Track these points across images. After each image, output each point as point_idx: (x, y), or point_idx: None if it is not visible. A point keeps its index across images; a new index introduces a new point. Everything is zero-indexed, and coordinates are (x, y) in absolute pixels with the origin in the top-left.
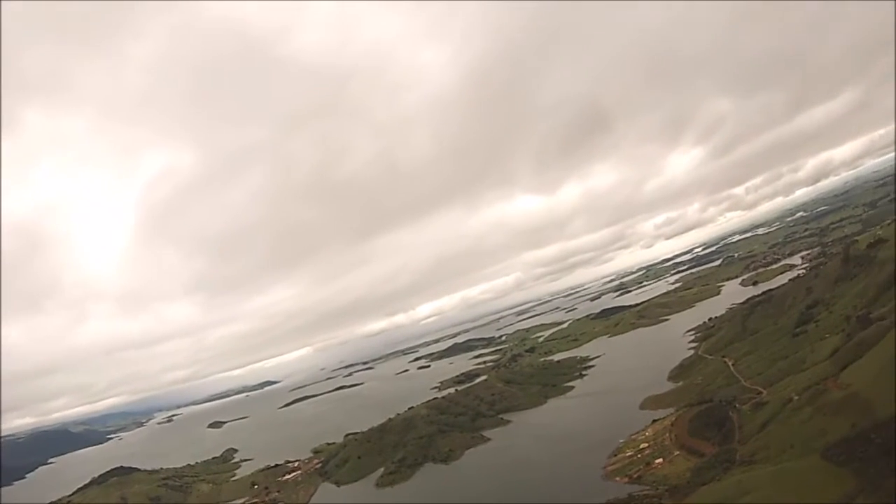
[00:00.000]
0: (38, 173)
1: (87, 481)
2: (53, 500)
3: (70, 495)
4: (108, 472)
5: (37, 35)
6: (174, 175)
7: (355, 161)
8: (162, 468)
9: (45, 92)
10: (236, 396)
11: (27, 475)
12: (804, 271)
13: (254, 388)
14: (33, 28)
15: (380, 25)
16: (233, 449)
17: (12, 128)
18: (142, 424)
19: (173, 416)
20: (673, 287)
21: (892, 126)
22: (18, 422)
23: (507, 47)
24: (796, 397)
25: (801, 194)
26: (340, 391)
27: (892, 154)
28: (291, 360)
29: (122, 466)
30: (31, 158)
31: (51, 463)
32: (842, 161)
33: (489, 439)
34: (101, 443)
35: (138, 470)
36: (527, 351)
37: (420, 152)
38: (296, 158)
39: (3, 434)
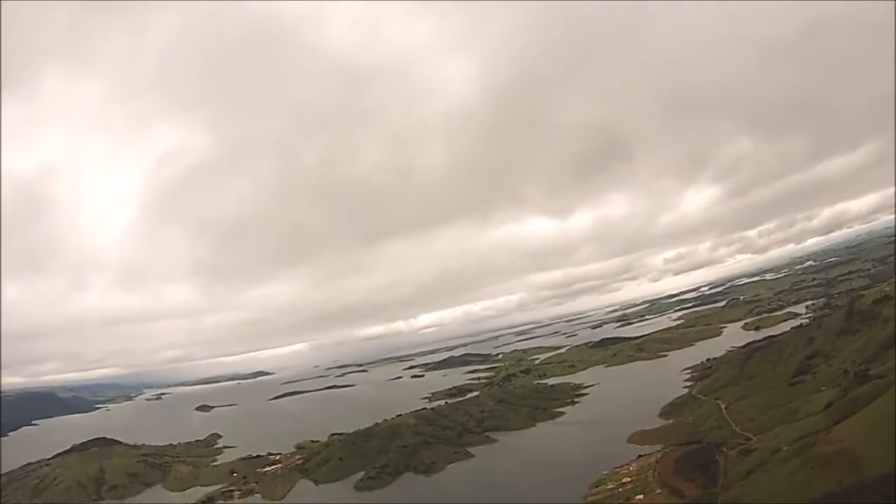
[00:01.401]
0: (52, 134)
1: (67, 447)
2: (32, 461)
3: (49, 459)
4: (90, 440)
5: None
6: (186, 154)
7: (367, 165)
8: (144, 444)
9: (66, 55)
10: (227, 383)
11: (10, 433)
12: (807, 321)
13: (246, 376)
14: None
15: (407, 31)
16: (217, 434)
17: (30, 88)
18: (130, 398)
19: (162, 394)
20: (675, 323)
21: None
22: (7, 380)
23: (531, 68)
24: (786, 447)
25: (813, 243)
26: (331, 390)
27: None
28: (286, 354)
29: (104, 437)
30: (45, 119)
31: (35, 425)
32: (856, 214)
33: (473, 456)
34: (88, 411)
35: (120, 443)
36: (522, 372)
37: (434, 164)
38: (308, 155)
39: None
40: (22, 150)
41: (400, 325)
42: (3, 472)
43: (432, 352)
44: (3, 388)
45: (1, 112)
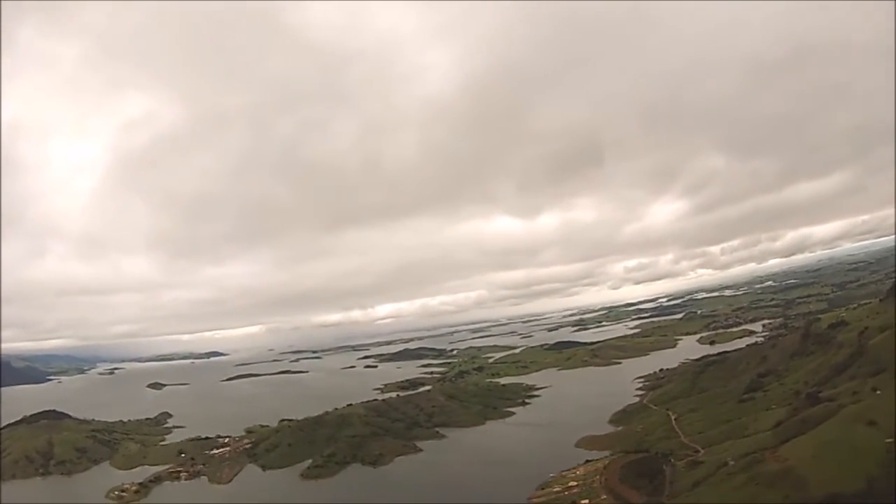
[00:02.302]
0: (21, 92)
1: (17, 419)
2: None
3: None
4: (40, 413)
5: None
6: (155, 124)
7: (338, 148)
8: (94, 419)
9: (44, 12)
10: (181, 361)
11: None
12: (763, 339)
13: (200, 356)
14: None
15: (391, 16)
16: (167, 413)
17: (3, 41)
18: (83, 372)
19: (115, 369)
20: (631, 332)
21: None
22: None
23: (515, 66)
24: (732, 462)
25: (774, 264)
26: (284, 375)
27: (869, 241)
28: (241, 336)
29: (54, 410)
30: (15, 75)
31: None
32: (820, 239)
33: (421, 450)
34: (40, 382)
35: (70, 417)
36: (475, 369)
37: (405, 153)
38: (278, 133)
39: None
40: None
41: (357, 313)
42: None
43: (388, 343)
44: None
45: None
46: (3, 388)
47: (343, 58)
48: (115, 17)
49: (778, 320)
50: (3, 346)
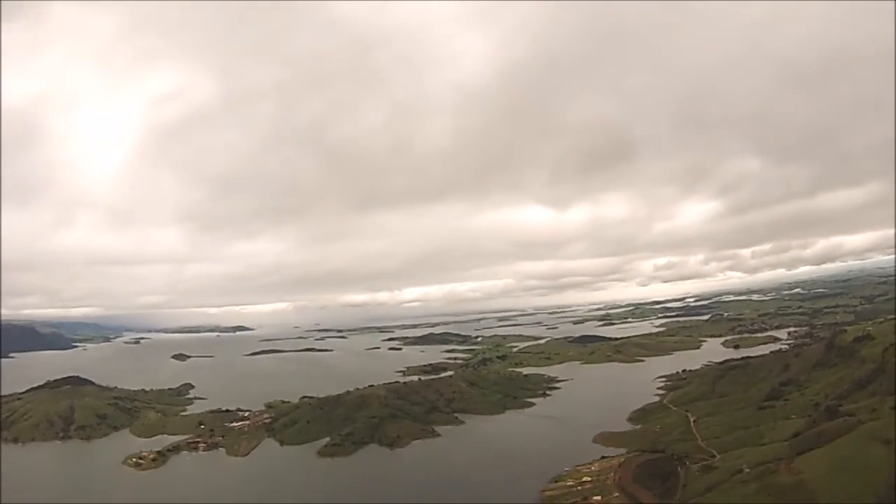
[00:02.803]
0: (52, 63)
1: (41, 383)
2: (4, 394)
3: (22, 393)
4: (63, 378)
5: None
6: (186, 98)
7: (368, 129)
8: (116, 387)
9: None
10: (207, 334)
11: None
12: (787, 347)
13: (226, 329)
14: None
15: None
16: (189, 384)
17: (34, 12)
18: (109, 340)
19: (141, 339)
20: (656, 330)
21: None
22: None
23: (550, 54)
24: (747, 469)
25: (804, 271)
26: (308, 353)
27: None
28: (268, 312)
29: (78, 376)
30: (47, 46)
31: (11, 357)
32: (851, 249)
33: (439, 435)
34: (65, 349)
35: (93, 383)
36: (498, 357)
37: (435, 138)
38: (307, 113)
39: None
40: (19, 76)
41: (384, 295)
42: None
43: (413, 326)
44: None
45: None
46: (28, 353)
47: (374, 38)
48: None
49: (803, 329)
50: (31, 311)
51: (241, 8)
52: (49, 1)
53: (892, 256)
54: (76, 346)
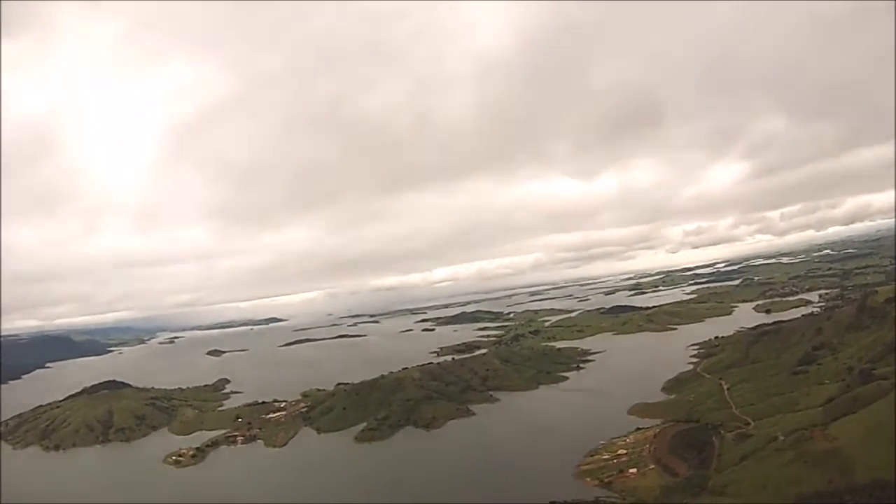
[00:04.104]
0: (64, 70)
1: (78, 390)
2: (44, 403)
3: (60, 401)
4: (100, 383)
5: None
6: (199, 92)
7: (389, 111)
8: (153, 388)
9: None
10: (240, 328)
11: (23, 376)
12: (818, 310)
13: (259, 322)
14: None
15: None
16: (225, 379)
17: (41, 20)
18: (143, 342)
19: (175, 338)
20: (687, 297)
21: None
22: (22, 323)
23: (568, 21)
24: (782, 437)
25: (833, 232)
26: (342, 339)
27: None
28: (299, 302)
29: (114, 380)
30: (57, 54)
31: (48, 367)
32: (879, 208)
33: (474, 414)
34: (101, 354)
35: (129, 386)
36: (531, 332)
37: (458, 113)
38: (328, 97)
39: (4, 334)
40: (30, 86)
41: (415, 277)
42: (15, 414)
43: (445, 306)
44: (18, 331)
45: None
46: (64, 362)
47: (387, 13)
48: None
49: (834, 291)
50: (64, 321)
51: None
52: (53, 2)
53: None
54: (111, 351)
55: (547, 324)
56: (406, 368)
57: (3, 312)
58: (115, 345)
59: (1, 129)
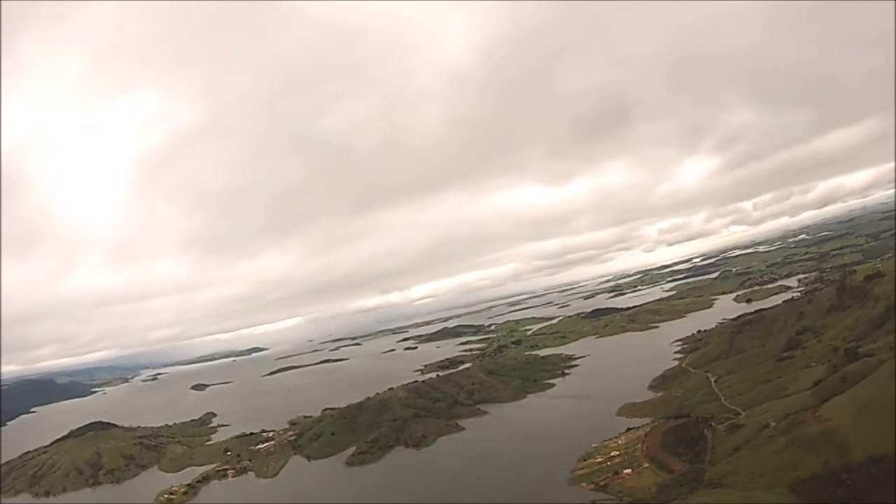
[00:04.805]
0: (31, 104)
1: (65, 433)
2: (31, 449)
3: (47, 446)
4: (86, 425)
5: None
6: (167, 121)
7: (358, 128)
8: (139, 426)
9: (46, 25)
10: (223, 360)
11: (8, 423)
12: (798, 295)
13: (241, 353)
14: None
15: None
16: (212, 413)
17: (5, 55)
18: (127, 380)
19: (159, 374)
20: (667, 294)
21: None
22: (4, 368)
23: (532, 27)
24: (773, 424)
25: (807, 217)
26: (325, 364)
27: None
28: (281, 329)
29: (100, 421)
30: (23, 92)
31: (33, 412)
32: (851, 189)
33: (463, 429)
34: (85, 395)
35: (116, 426)
36: (514, 343)
37: (428, 128)
38: (295, 118)
39: None
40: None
41: (395, 296)
42: (3, 462)
43: (426, 323)
44: (1, 377)
45: None
46: (49, 405)
47: (353, 30)
48: (112, 17)
49: (813, 274)
50: (47, 363)
51: (209, 19)
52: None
53: (893, 191)
54: (96, 392)
55: (529, 332)
56: (392, 388)
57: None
58: (99, 385)
59: None
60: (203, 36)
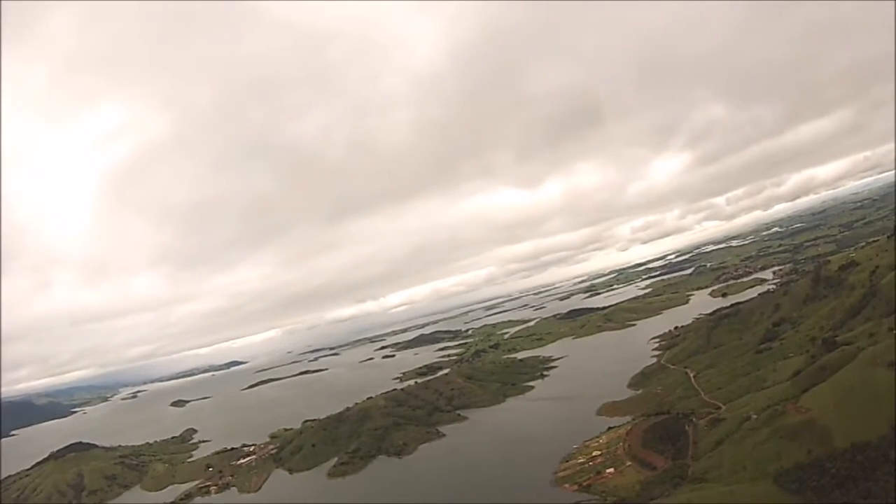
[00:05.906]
0: None
1: (45, 456)
2: (12, 473)
3: (28, 469)
4: (66, 447)
5: None
6: (133, 132)
7: (329, 137)
8: (120, 446)
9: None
10: (202, 375)
11: None
12: (774, 287)
13: (219, 367)
14: None
15: None
16: (192, 429)
17: None
18: (106, 399)
19: (138, 392)
20: (643, 292)
21: (876, 150)
22: None
23: (500, 29)
24: (754, 416)
25: (780, 209)
26: (304, 376)
27: (872, 178)
28: (259, 342)
29: (80, 442)
30: None
31: (13, 435)
32: (823, 180)
33: (444, 435)
34: (64, 416)
35: (96, 446)
36: (491, 347)
37: (399, 135)
38: (264, 126)
39: None
40: None
41: (371, 305)
42: None
43: (403, 331)
44: None
45: None
46: (28, 428)
47: (320, 35)
48: (75, 27)
49: (788, 266)
50: (24, 385)
51: (174, 27)
52: None
53: (864, 181)
54: (75, 412)
55: (506, 336)
56: (371, 398)
57: None
58: (78, 405)
59: None
60: (167, 43)
